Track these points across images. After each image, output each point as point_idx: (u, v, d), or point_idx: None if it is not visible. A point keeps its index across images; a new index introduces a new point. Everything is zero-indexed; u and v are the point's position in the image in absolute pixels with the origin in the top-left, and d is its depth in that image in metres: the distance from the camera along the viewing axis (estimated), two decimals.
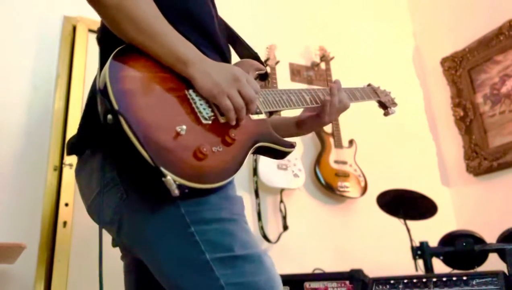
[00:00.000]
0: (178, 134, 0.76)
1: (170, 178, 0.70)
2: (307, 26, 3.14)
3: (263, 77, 1.12)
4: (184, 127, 0.76)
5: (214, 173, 0.77)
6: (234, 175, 0.81)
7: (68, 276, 1.91)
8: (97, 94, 0.78)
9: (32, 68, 2.16)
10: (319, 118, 1.12)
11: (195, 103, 0.84)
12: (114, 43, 0.84)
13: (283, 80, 2.78)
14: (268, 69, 2.66)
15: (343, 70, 2.89)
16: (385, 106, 1.33)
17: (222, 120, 0.86)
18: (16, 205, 1.94)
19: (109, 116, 0.72)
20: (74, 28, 2.30)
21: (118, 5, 0.81)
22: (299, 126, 1.17)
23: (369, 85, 1.36)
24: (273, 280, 0.80)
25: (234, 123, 0.86)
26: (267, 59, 2.68)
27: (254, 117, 0.94)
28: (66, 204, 2.01)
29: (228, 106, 0.84)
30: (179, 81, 0.85)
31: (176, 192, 0.70)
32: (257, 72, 1.08)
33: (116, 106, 0.72)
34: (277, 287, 0.80)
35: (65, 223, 1.99)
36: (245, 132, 0.89)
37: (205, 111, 0.84)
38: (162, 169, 0.70)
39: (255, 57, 1.13)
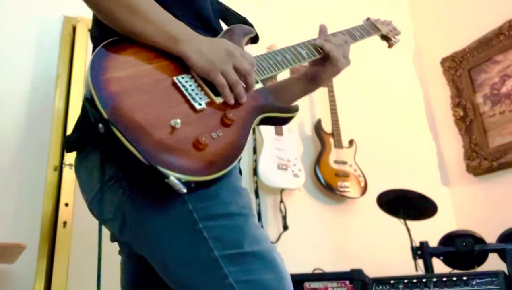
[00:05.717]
0: (173, 128, 0.73)
1: (174, 178, 0.68)
2: (307, 26, 3.13)
3: (254, 40, 1.10)
4: (178, 120, 0.74)
5: (219, 160, 0.75)
6: (240, 156, 0.79)
7: (68, 276, 1.91)
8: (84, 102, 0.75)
9: (32, 68, 2.16)
10: (332, 65, 1.07)
11: (186, 90, 0.81)
12: (106, 38, 0.83)
13: None
14: None
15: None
16: (388, 38, 1.29)
17: (217, 100, 0.83)
18: (16, 205, 1.94)
19: (100, 125, 0.71)
20: (74, 28, 2.30)
21: None
22: (314, 80, 1.11)
23: (368, 19, 1.30)
24: (283, 278, 0.78)
25: (232, 101, 0.83)
26: None
27: None
28: (66, 204, 2.01)
29: (222, 82, 0.82)
30: (166, 69, 0.83)
31: (183, 190, 0.68)
32: (248, 36, 1.06)
33: (105, 115, 0.70)
34: (287, 285, 0.79)
35: (65, 223, 1.99)
36: (244, 108, 0.86)
37: (197, 96, 0.81)
38: (163, 170, 0.68)
39: (244, 21, 1.11)
